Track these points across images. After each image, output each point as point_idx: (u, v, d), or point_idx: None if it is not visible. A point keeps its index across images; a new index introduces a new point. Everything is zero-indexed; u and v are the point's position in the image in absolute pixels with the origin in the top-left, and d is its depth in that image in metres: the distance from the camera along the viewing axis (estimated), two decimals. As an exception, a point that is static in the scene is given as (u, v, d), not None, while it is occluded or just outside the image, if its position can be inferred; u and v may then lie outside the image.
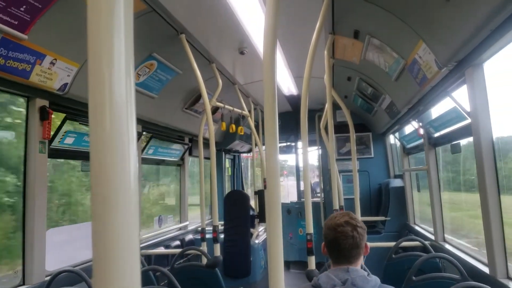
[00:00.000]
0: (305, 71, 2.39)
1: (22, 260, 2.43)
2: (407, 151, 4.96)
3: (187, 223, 5.08)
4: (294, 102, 5.82)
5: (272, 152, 1.08)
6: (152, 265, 3.57)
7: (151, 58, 3.13)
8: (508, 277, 2.30)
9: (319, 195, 6.51)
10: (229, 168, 7.28)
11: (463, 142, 3.08)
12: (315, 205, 5.00)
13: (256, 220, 5.24)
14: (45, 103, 2.54)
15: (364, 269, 1.49)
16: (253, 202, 5.58)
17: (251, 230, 4.81)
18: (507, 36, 1.81)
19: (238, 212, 4.63)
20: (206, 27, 3.06)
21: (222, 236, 4.50)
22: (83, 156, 3.08)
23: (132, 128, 0.46)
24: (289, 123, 6.46)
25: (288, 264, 6.59)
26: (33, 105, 2.49)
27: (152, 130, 4.15)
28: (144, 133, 3.97)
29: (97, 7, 0.46)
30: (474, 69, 2.27)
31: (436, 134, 3.57)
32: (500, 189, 2.30)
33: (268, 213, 1.06)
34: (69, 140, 2.85)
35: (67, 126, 2.81)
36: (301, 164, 6.93)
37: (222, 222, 4.65)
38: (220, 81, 3.73)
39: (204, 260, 3.20)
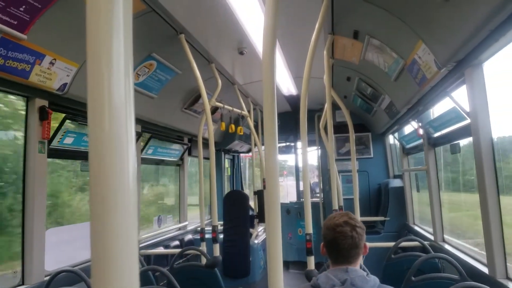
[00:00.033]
0: (304, 71, 2.39)
1: (22, 260, 2.43)
2: (406, 151, 4.95)
3: (187, 223, 5.08)
4: (293, 102, 5.83)
5: (271, 152, 1.09)
6: (152, 265, 3.56)
7: (150, 58, 3.13)
8: (507, 277, 2.30)
9: (318, 195, 6.50)
10: (229, 168, 7.28)
11: (463, 142, 3.08)
12: (315, 205, 5.00)
13: (256, 220, 5.23)
14: (45, 103, 2.54)
15: (363, 269, 1.49)
16: (252, 202, 5.58)
17: (251, 230, 4.81)
18: (507, 36, 1.81)
19: (238, 212, 4.62)
20: (206, 27, 3.06)
21: (221, 236, 4.50)
22: (83, 156, 3.07)
23: (131, 129, 0.46)
24: (289, 123, 6.46)
25: (287, 264, 6.59)
26: (32, 105, 2.49)
27: (151, 130, 4.15)
28: (143, 133, 3.98)
29: (96, 7, 0.46)
30: (474, 69, 2.27)
31: (436, 134, 3.57)
32: (499, 190, 2.30)
33: (267, 213, 1.06)
34: (68, 140, 2.85)
35: (67, 126, 2.80)
36: (300, 164, 6.94)
37: (222, 222, 4.65)
38: (219, 81, 3.72)
39: (204, 260, 3.20)
